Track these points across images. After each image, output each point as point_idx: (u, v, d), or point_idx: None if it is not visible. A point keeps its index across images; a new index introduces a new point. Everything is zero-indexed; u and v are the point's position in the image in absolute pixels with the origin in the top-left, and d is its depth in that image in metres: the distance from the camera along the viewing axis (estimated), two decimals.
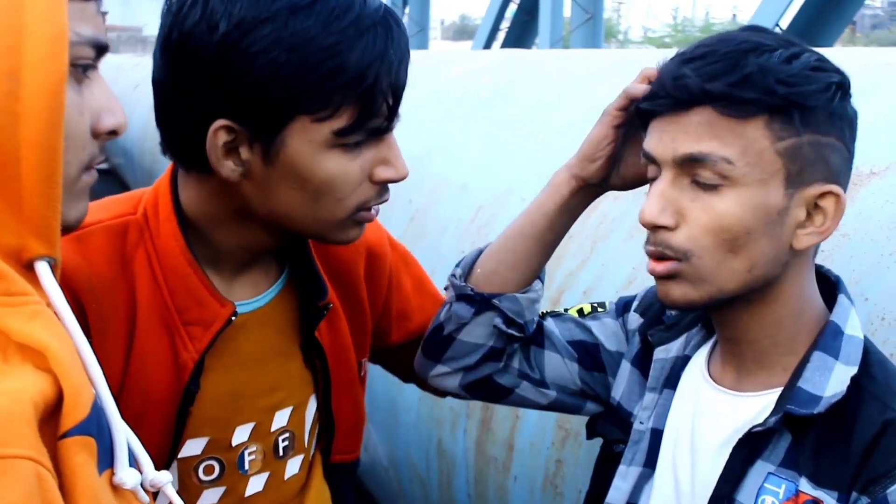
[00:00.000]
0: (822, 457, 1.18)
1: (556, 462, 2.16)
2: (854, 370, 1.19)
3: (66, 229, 0.91)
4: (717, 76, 1.17)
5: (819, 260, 1.63)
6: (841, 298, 1.26)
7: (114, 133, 0.93)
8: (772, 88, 1.15)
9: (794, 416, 1.18)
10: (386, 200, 1.37)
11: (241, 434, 1.45)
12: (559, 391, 1.55)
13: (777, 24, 9.53)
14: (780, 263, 1.22)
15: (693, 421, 1.32)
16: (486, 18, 14.70)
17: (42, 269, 0.86)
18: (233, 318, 1.38)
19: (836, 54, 2.44)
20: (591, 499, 1.49)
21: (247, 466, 1.47)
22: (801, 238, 1.21)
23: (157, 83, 1.30)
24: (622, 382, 1.48)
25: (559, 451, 2.16)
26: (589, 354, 1.54)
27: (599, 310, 1.58)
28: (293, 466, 1.53)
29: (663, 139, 1.22)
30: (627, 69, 3.03)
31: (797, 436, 1.20)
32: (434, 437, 2.71)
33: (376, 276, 1.62)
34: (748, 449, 1.22)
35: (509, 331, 1.49)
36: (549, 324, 1.56)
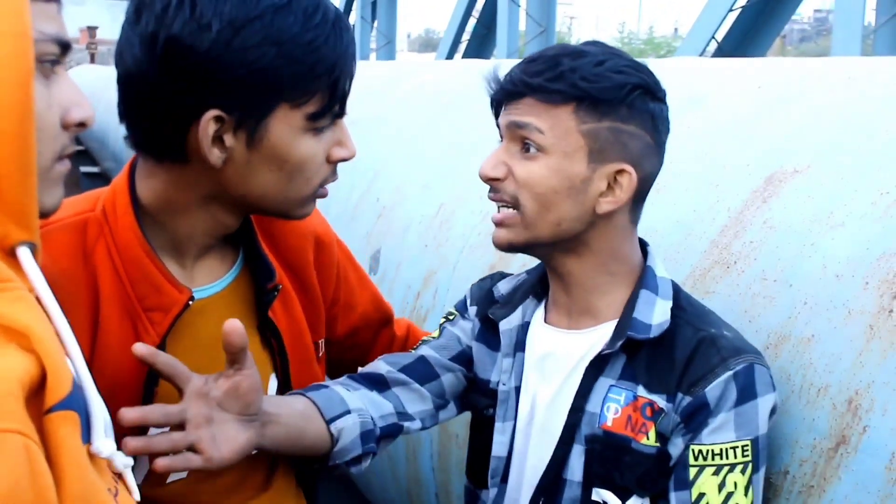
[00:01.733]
0: (652, 370, 1.41)
1: None
2: (670, 303, 1.44)
3: (44, 215, 0.91)
4: (538, 73, 1.39)
5: (748, 249, 1.66)
6: (649, 250, 1.50)
7: (82, 125, 0.94)
8: (575, 83, 1.36)
9: (633, 340, 1.41)
10: (336, 178, 1.42)
11: None
12: (455, 400, 1.67)
13: (713, 37, 9.61)
14: (584, 222, 1.42)
15: (543, 363, 1.51)
16: (448, 32, 14.72)
17: (24, 254, 0.86)
18: (190, 302, 1.38)
19: (767, 64, 2.46)
20: (472, 461, 1.65)
21: None
22: (602, 205, 1.41)
23: (134, 80, 1.29)
24: (475, 358, 1.64)
25: None
26: (466, 358, 1.66)
27: (451, 317, 1.71)
28: None
29: (504, 116, 1.44)
30: None
31: (630, 356, 1.43)
32: None
33: (325, 263, 1.64)
34: (594, 369, 1.44)
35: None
36: (429, 352, 1.65)
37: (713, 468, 1.35)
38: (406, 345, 1.87)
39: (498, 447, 1.56)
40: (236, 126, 1.28)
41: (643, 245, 1.52)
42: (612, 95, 1.37)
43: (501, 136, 1.46)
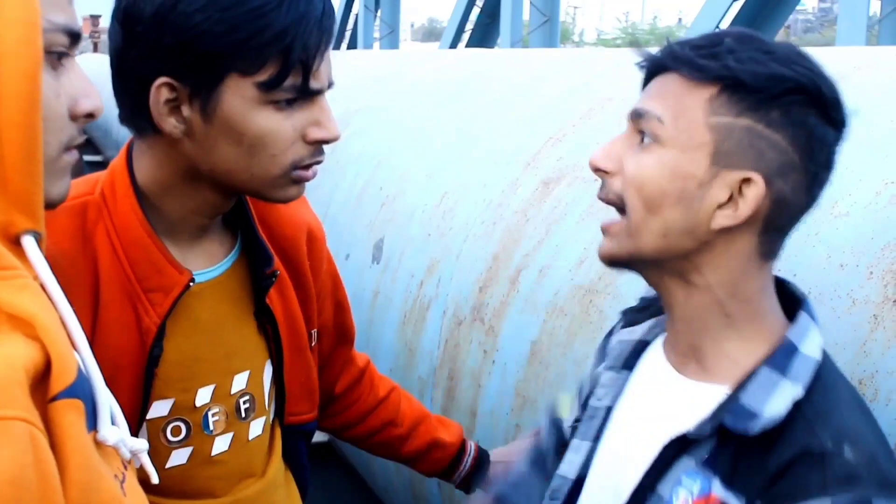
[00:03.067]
0: (740, 463, 1.11)
1: (515, 426, 2.17)
2: (799, 391, 1.10)
3: (50, 206, 0.91)
4: (694, 47, 1.13)
5: None
6: (802, 315, 1.17)
7: (91, 116, 0.93)
8: (727, 63, 1.10)
9: (726, 429, 1.11)
10: (320, 161, 1.37)
11: (203, 395, 1.45)
12: None
13: (717, 27, 9.59)
14: (695, 238, 1.15)
15: (643, 400, 1.28)
16: (451, 21, 14.70)
17: (28, 243, 0.85)
18: (190, 284, 1.39)
19: None
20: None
21: (211, 427, 1.47)
22: (718, 217, 1.13)
23: (111, 53, 1.32)
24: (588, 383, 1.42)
25: (517, 417, 2.17)
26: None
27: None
28: (256, 428, 1.54)
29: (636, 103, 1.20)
30: (581, 66, 3.04)
31: (723, 440, 1.13)
32: None
33: (315, 255, 1.64)
34: (679, 445, 1.16)
35: None
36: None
37: None
38: (362, 378, 1.88)
39: (566, 466, 1.35)
40: (191, 96, 1.27)
41: (797, 304, 1.19)
42: (763, 86, 1.09)
43: None
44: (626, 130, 1.20)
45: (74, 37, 0.90)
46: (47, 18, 0.85)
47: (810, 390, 1.10)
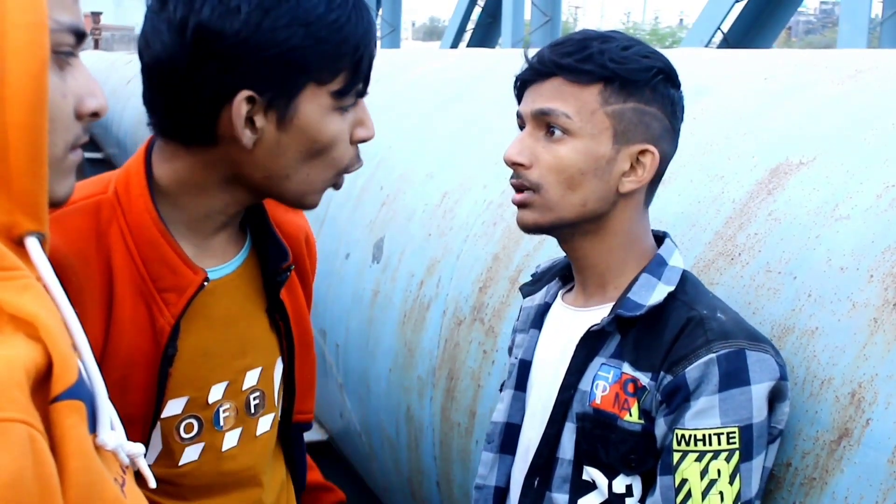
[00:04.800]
0: (640, 348, 1.42)
1: None
2: (671, 288, 1.45)
3: (55, 205, 0.91)
4: (568, 54, 1.43)
5: (753, 241, 1.66)
6: (667, 241, 1.53)
7: (96, 115, 0.93)
8: (605, 64, 1.41)
9: (622, 318, 1.43)
10: (361, 165, 1.44)
11: (216, 392, 1.46)
12: None
13: (719, 28, 9.59)
14: (608, 202, 1.45)
15: (552, 340, 1.57)
16: (452, 20, 14.71)
17: (32, 244, 0.85)
18: (205, 283, 1.39)
19: (773, 55, 2.45)
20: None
21: (222, 423, 1.48)
22: (625, 184, 1.45)
23: (164, 67, 1.29)
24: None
25: None
26: None
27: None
28: (264, 424, 1.54)
29: (527, 101, 1.48)
30: None
31: (623, 334, 1.44)
32: (403, 405, 2.72)
33: (312, 257, 1.68)
34: (588, 348, 1.47)
35: None
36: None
37: (696, 454, 1.34)
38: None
39: (496, 413, 1.63)
40: (267, 106, 1.30)
41: (662, 235, 1.54)
42: (638, 77, 1.42)
43: (521, 123, 1.50)
44: (527, 128, 1.48)
45: (80, 36, 0.90)
46: (54, 18, 0.85)
47: (681, 287, 1.46)
